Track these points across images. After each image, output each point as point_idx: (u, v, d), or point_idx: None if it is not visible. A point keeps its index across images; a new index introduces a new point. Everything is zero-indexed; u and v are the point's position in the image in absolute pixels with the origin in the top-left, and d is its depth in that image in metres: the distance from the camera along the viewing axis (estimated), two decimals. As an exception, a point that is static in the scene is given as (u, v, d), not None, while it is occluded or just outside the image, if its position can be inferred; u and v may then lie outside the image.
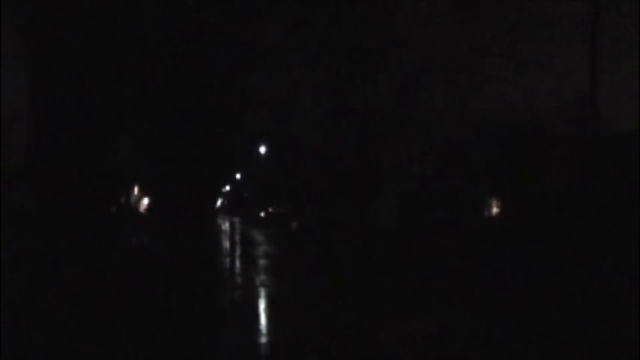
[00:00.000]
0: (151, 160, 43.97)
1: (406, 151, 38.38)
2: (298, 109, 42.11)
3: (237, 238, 48.01)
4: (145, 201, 53.42)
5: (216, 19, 26.48)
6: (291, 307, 15.33)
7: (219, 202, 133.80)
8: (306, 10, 29.33)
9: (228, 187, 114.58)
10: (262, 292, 17.81)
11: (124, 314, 13.38)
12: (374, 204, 37.95)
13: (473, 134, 38.16)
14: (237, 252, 33.68)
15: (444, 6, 30.56)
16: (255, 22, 27.90)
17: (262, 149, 63.00)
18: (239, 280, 21.44)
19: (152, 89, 33.61)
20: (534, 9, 28.10)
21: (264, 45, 30.52)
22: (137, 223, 41.33)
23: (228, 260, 28.70)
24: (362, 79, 34.43)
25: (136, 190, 52.63)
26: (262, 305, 15.81)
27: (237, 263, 27.47)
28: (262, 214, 78.32)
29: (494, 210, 42.83)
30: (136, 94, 33.08)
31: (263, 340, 11.49)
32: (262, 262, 27.13)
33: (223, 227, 67.02)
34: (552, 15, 27.11)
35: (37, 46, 27.01)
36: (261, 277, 21.23)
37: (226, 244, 40.41)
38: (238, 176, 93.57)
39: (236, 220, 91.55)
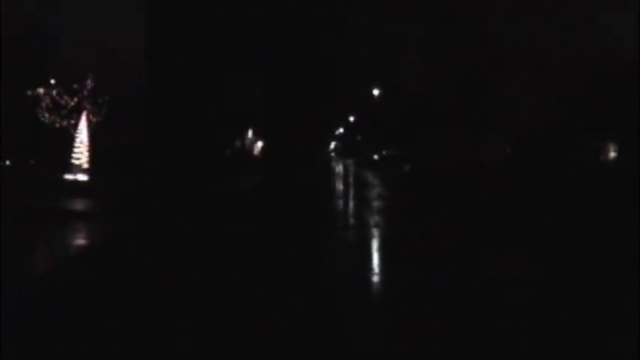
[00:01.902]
0: (265, 104, 44.37)
1: (517, 88, 37.41)
2: (408, 45, 41.51)
3: (351, 180, 48.07)
4: (259, 144, 54.12)
5: None
6: (403, 248, 15.18)
7: (332, 145, 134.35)
8: None
9: (341, 130, 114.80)
10: (376, 233, 17.75)
11: (241, 250, 13.50)
12: (485, 142, 37.20)
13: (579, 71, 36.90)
14: (351, 194, 33.73)
15: None
16: None
17: (375, 91, 62.54)
18: (352, 220, 21.45)
19: (266, 31, 33.66)
20: None
21: None
22: (251, 166, 41.89)
23: (341, 202, 28.76)
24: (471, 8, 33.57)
25: (250, 133, 53.36)
26: (375, 245, 15.74)
27: (351, 205, 27.50)
28: (375, 157, 78.11)
29: (611, 155, 41.34)
30: (251, 36, 33.20)
31: (376, 279, 11.43)
32: (376, 203, 27.03)
33: (337, 170, 67.25)
34: None
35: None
36: (375, 218, 21.15)
37: (340, 186, 40.51)
38: (352, 119, 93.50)
39: (349, 162, 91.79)
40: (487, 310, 9.24)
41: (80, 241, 14.58)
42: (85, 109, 35.52)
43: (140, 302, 8.99)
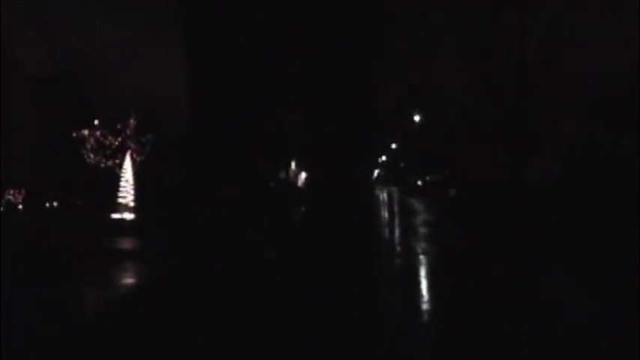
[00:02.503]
0: (308, 135, 44.52)
1: (562, 105, 37.08)
2: (446, 68, 41.38)
3: (396, 207, 47.83)
4: (303, 175, 54.25)
5: None
6: (452, 275, 15.00)
7: (376, 173, 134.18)
8: None
9: (384, 158, 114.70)
10: (424, 260, 17.56)
11: (285, 280, 13.45)
12: (532, 160, 36.75)
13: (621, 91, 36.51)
14: (397, 221, 33.54)
15: None
16: None
17: (417, 118, 62.41)
18: (399, 248, 21.28)
19: (305, 63, 33.81)
20: None
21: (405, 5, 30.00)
22: (296, 197, 41.93)
23: (387, 230, 28.59)
24: (508, 27, 33.34)
25: (293, 164, 53.54)
26: (423, 272, 15.56)
27: (397, 232, 27.32)
28: (419, 183, 77.75)
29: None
30: (290, 69, 33.38)
31: (425, 307, 11.26)
32: (422, 230, 26.83)
33: (381, 197, 67.01)
34: None
35: (196, 27, 27.63)
36: (422, 245, 20.97)
37: (385, 213, 40.33)
38: (394, 146, 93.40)
39: (393, 189, 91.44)
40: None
41: (130, 281, 14.63)
42: (129, 148, 36.04)
43: (189, 345, 8.96)
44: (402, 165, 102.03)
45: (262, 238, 23.23)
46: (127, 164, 30.30)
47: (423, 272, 15.62)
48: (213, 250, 19.56)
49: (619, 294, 11.91)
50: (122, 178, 29.77)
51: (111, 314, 11.01)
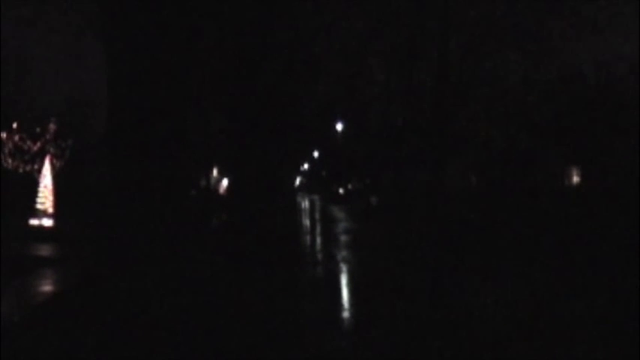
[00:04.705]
0: (230, 142, 44.41)
1: (479, 116, 37.95)
2: (368, 79, 41.82)
3: (317, 215, 48.13)
4: (225, 182, 54.06)
5: None
6: (371, 283, 15.28)
7: (298, 181, 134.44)
8: None
9: (306, 166, 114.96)
10: (344, 268, 17.81)
11: (205, 294, 13.48)
12: (450, 169, 37.48)
13: (542, 99, 37.70)
14: (318, 229, 33.79)
15: None
16: None
17: (339, 126, 62.84)
18: (320, 256, 21.49)
19: (228, 70, 33.74)
20: None
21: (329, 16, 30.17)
22: (217, 205, 41.74)
23: (309, 237, 28.80)
24: (428, 42, 33.96)
25: (215, 172, 53.32)
26: (344, 281, 15.80)
27: (319, 240, 27.55)
28: (341, 191, 78.26)
29: (575, 179, 42.01)
30: (214, 75, 33.27)
31: (345, 314, 11.48)
32: (343, 238, 27.14)
33: (303, 205, 67.27)
34: None
35: (116, 31, 27.33)
36: (343, 253, 21.23)
37: (306, 222, 40.55)
38: (316, 154, 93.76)
39: (315, 197, 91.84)
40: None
41: (48, 288, 14.46)
42: (48, 153, 35.40)
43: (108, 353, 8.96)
44: (323, 173, 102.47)
45: (182, 245, 23.13)
46: (46, 169, 29.76)
47: (343, 280, 15.86)
48: (134, 257, 19.43)
49: (531, 295, 12.39)
50: (41, 184, 29.24)
51: (26, 322, 10.91)
